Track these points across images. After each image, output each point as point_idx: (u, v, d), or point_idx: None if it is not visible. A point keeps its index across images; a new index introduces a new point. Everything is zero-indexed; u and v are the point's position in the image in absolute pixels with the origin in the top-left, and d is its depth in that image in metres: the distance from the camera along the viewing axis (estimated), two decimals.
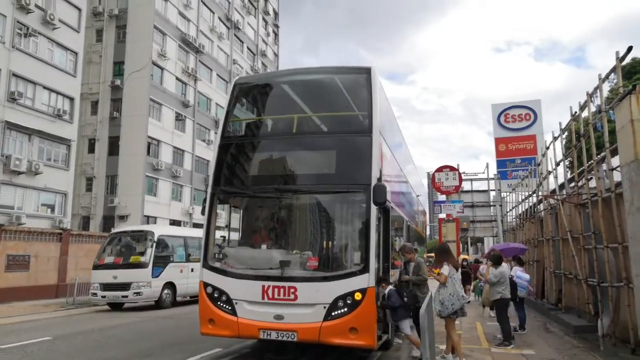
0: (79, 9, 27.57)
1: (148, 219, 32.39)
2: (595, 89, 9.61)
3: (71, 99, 26.64)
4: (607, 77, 9.44)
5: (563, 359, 7.83)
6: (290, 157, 7.77)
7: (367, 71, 7.85)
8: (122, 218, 31.71)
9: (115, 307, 15.90)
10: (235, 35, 46.19)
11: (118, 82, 33.38)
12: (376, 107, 7.51)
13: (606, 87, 11.31)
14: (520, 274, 10.72)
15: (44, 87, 24.90)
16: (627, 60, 10.74)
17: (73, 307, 16.63)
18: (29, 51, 24.05)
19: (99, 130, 33.42)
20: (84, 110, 32.18)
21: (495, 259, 9.63)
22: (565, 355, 8.12)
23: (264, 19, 54.07)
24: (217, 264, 7.49)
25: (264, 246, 7.66)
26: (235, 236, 8.35)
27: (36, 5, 24.17)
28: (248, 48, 49.39)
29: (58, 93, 25.73)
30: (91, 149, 33.46)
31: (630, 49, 8.42)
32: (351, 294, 6.65)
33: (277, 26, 58.91)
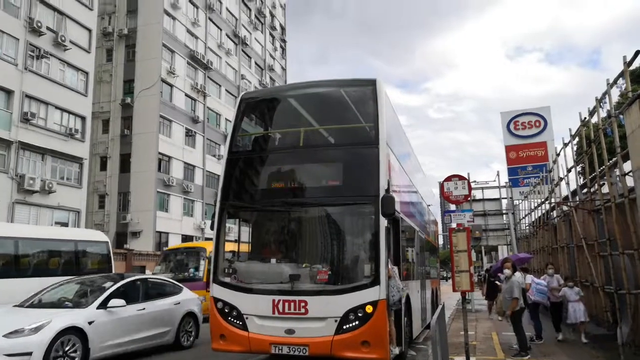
0: (89, 30, 28.10)
1: (160, 235, 32.58)
2: (604, 94, 9.52)
3: (83, 118, 27.04)
4: (615, 81, 9.36)
5: (582, 331, 7.64)
6: (298, 170, 7.77)
7: (372, 83, 7.87)
8: (135, 234, 31.92)
9: None
10: (242, 50, 46.70)
11: (128, 100, 33.86)
12: (382, 119, 7.51)
13: (615, 92, 11.23)
14: (538, 280, 10.80)
15: (56, 107, 25.32)
16: (636, 64, 10.64)
17: None
18: (41, 72, 24.52)
19: (111, 148, 33.84)
20: (95, 129, 32.66)
21: (513, 269, 9.53)
22: (585, 333, 7.93)
23: (270, 34, 54.63)
24: (227, 279, 7.48)
25: (273, 260, 7.64)
26: (245, 250, 8.35)
27: (47, 28, 24.69)
28: (256, 63, 49.87)
29: (70, 112, 26.14)
30: (103, 167, 33.86)
31: (637, 53, 8.34)
32: (362, 306, 6.59)
33: (284, 41, 59.47)
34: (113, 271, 15.69)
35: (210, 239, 8.14)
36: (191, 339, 10.36)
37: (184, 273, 16.02)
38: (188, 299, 10.56)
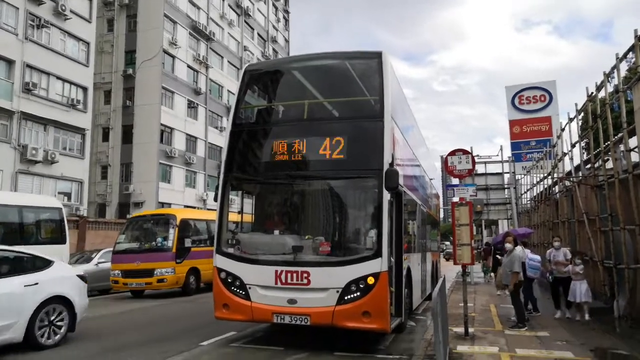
0: None
1: (163, 206, 32.82)
2: (613, 68, 9.39)
3: (84, 89, 26.90)
4: (625, 56, 9.22)
5: (578, 340, 7.80)
6: (302, 143, 7.76)
7: (378, 56, 7.77)
8: (137, 205, 32.14)
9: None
10: (245, 21, 45.97)
11: (130, 71, 33.57)
12: (387, 92, 7.45)
13: (624, 67, 11.09)
14: (532, 256, 10.71)
15: (58, 78, 25.16)
16: None
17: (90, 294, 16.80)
18: (42, 42, 24.27)
19: (113, 119, 33.75)
20: (97, 100, 32.51)
21: (514, 243, 9.62)
22: (581, 337, 8.09)
23: (274, 4, 53.67)
24: (231, 250, 7.58)
25: (276, 232, 7.72)
26: (248, 222, 8.42)
27: None
28: (259, 34, 49.16)
29: (71, 83, 25.99)
30: (105, 138, 33.85)
31: None
32: (364, 278, 6.69)
33: (287, 12, 58.46)
34: (67, 242, 14.87)
35: (211, 210, 8.20)
36: (58, 336, 7.54)
37: (151, 243, 15.19)
38: (56, 277, 7.76)
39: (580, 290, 9.59)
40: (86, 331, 8.68)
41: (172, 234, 14.92)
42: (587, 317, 9.67)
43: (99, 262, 16.26)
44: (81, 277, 8.36)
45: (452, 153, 9.18)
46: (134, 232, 15.96)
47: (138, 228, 16.07)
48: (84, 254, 17.70)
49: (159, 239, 15.17)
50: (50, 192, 24.43)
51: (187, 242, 15.40)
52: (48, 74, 24.55)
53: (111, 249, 16.26)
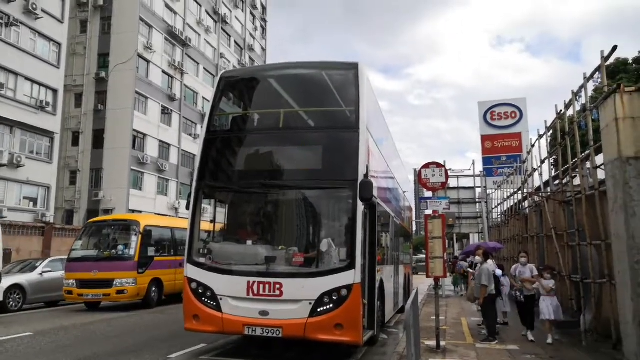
0: None
1: (133, 213, 32.08)
2: (580, 87, 9.68)
3: (54, 91, 26.20)
4: (591, 76, 9.53)
5: (547, 354, 7.92)
6: (277, 152, 7.71)
7: (354, 67, 7.81)
8: (107, 212, 31.29)
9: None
10: (222, 29, 45.79)
11: (103, 74, 32.89)
12: (363, 103, 7.48)
13: (591, 86, 11.45)
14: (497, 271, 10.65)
15: (26, 78, 24.44)
16: (611, 60, 10.85)
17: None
18: (11, 41, 23.57)
19: (83, 123, 32.92)
20: (67, 103, 31.68)
21: (484, 256, 9.72)
22: (548, 350, 8.21)
23: (251, 12, 53.68)
24: (202, 260, 7.42)
25: (249, 242, 7.59)
26: (220, 231, 8.28)
27: None
28: (235, 42, 49.01)
29: (41, 84, 25.28)
30: (75, 142, 32.96)
31: (615, 48, 8.49)
32: (337, 290, 6.63)
33: (264, 20, 58.54)
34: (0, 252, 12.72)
35: (183, 218, 8.02)
36: None
37: (111, 250, 13.99)
38: None
39: (550, 307, 8.89)
40: (45, 345, 8.33)
41: (135, 241, 13.84)
42: (549, 339, 8.81)
43: (43, 272, 15.08)
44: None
45: (426, 166, 9.28)
46: (93, 239, 14.67)
47: (97, 234, 14.79)
48: (29, 262, 16.40)
49: (120, 247, 14.07)
50: (15, 197, 23.62)
51: (151, 251, 14.45)
52: (16, 74, 23.82)
53: (59, 257, 15.32)
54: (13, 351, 8.10)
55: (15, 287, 14.15)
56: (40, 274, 15.03)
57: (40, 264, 15.59)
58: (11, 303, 13.92)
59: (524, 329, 9.57)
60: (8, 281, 13.93)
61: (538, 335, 9.22)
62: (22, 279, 14.58)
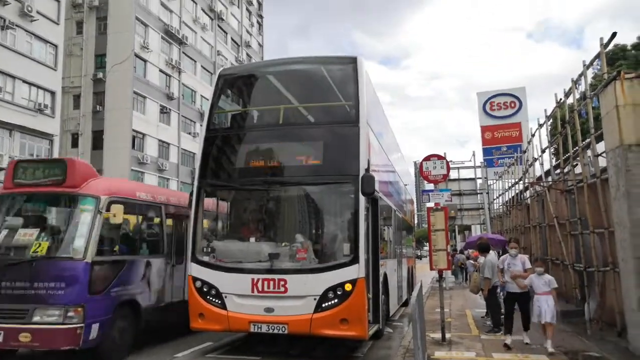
0: (58, 1, 26.88)
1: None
2: (580, 75, 9.66)
3: (52, 93, 26.12)
4: (591, 63, 9.48)
5: (552, 343, 7.91)
6: (277, 148, 7.69)
7: (353, 61, 7.78)
8: None
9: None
10: (219, 26, 45.61)
11: (100, 75, 32.80)
12: (363, 97, 7.46)
13: (590, 74, 11.41)
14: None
15: (24, 81, 24.34)
16: (610, 47, 10.80)
17: None
18: (7, 44, 23.45)
19: (82, 125, 32.88)
20: (66, 105, 31.60)
21: (483, 247, 9.68)
22: (554, 340, 8.21)
23: (247, 9, 53.45)
24: (206, 258, 7.41)
25: (252, 239, 7.61)
26: (223, 229, 8.28)
27: None
28: (232, 39, 48.84)
29: (38, 87, 25.20)
30: (74, 144, 32.91)
31: (614, 35, 8.46)
32: (341, 285, 6.64)
33: (261, 16, 58.31)
34: None
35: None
36: None
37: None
38: None
39: (545, 308, 7.45)
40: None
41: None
42: (550, 347, 7.34)
43: None
44: None
45: (427, 158, 9.24)
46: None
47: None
48: None
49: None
50: None
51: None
52: (13, 77, 23.73)
53: None
54: None
55: None
56: None
57: None
58: None
59: (507, 337, 7.85)
60: None
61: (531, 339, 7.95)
62: None
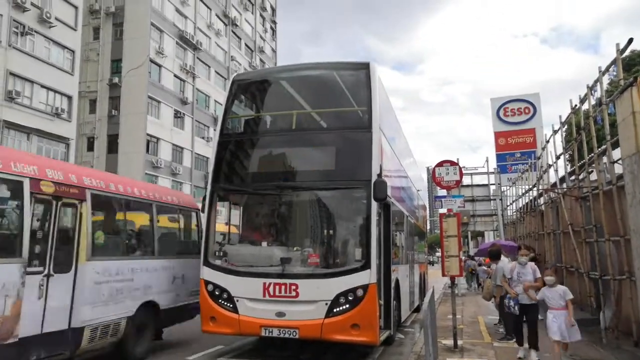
0: (76, 7, 27.41)
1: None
2: (596, 81, 9.55)
3: (69, 98, 26.56)
4: (607, 69, 9.39)
5: (567, 352, 7.80)
6: (290, 153, 7.73)
7: (365, 66, 7.81)
8: None
9: None
10: (232, 31, 46.01)
11: (116, 80, 33.29)
12: (375, 103, 7.47)
13: (606, 80, 11.29)
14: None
15: (42, 86, 24.80)
16: (627, 52, 10.69)
17: None
18: (26, 50, 23.94)
19: (98, 129, 33.36)
20: (82, 109, 32.10)
21: (494, 254, 9.60)
22: (569, 348, 8.09)
23: (261, 15, 53.85)
24: (218, 262, 7.46)
25: (264, 243, 7.64)
26: (236, 233, 8.33)
27: (32, 4, 24.02)
28: (246, 44, 49.21)
29: (56, 92, 25.64)
30: (90, 148, 33.40)
31: (630, 41, 8.37)
32: (353, 290, 6.63)
33: (274, 22, 58.70)
34: None
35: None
36: None
37: None
38: None
39: (560, 324, 6.72)
40: None
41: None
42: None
43: None
44: None
45: (440, 164, 9.22)
46: None
47: None
48: None
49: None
50: None
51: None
52: (32, 82, 24.19)
53: None
54: None
55: None
56: None
57: None
58: None
59: (520, 350, 7.60)
60: None
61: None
62: None
